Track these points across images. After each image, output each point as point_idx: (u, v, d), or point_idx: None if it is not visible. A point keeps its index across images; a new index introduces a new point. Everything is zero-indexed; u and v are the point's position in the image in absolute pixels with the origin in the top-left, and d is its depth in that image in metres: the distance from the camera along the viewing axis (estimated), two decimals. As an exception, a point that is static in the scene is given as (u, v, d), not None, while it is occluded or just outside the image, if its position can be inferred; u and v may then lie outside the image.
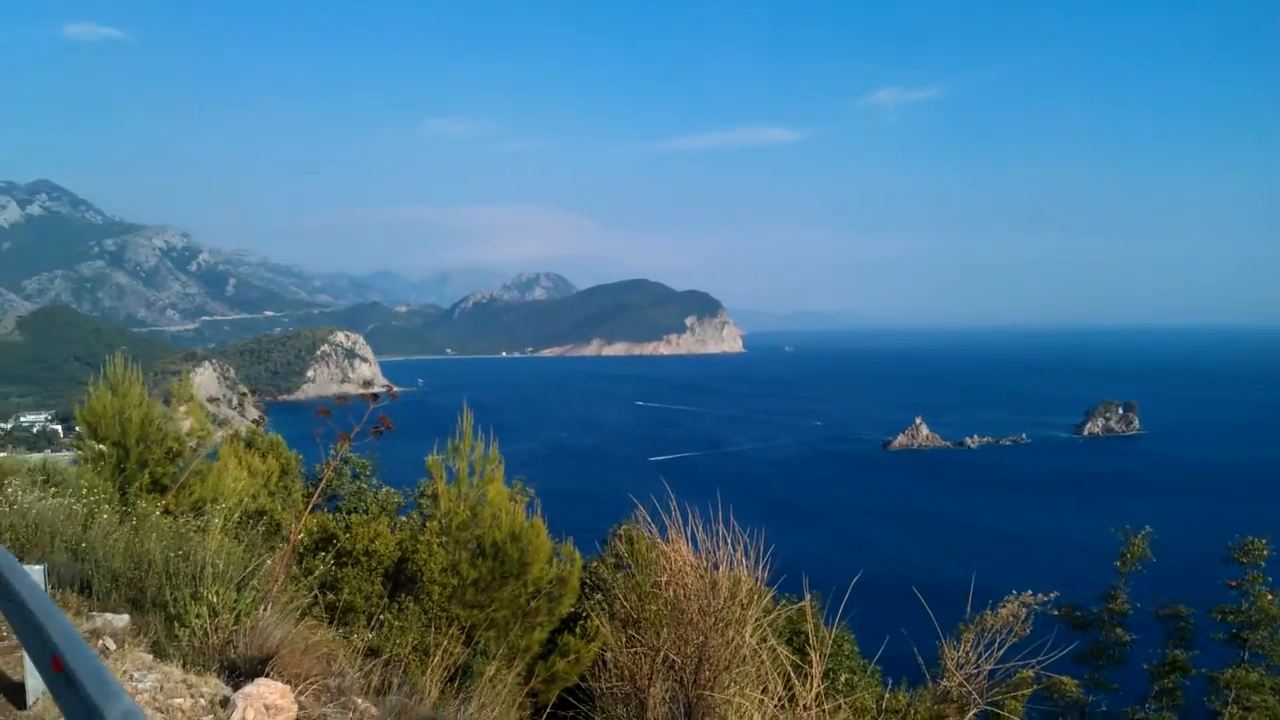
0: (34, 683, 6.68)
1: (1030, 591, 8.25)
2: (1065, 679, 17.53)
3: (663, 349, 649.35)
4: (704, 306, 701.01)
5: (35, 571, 7.21)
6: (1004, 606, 7.98)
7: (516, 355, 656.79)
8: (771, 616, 6.89)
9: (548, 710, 12.18)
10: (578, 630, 14.10)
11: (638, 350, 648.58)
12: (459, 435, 13.54)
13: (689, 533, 7.00)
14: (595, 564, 15.89)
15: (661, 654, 6.79)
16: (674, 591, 6.87)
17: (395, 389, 11.99)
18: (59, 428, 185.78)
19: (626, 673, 7.02)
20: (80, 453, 15.58)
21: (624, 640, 7.20)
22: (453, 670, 9.76)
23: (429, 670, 8.64)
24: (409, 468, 19.55)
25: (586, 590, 14.80)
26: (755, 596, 6.78)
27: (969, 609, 8.08)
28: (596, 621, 10.70)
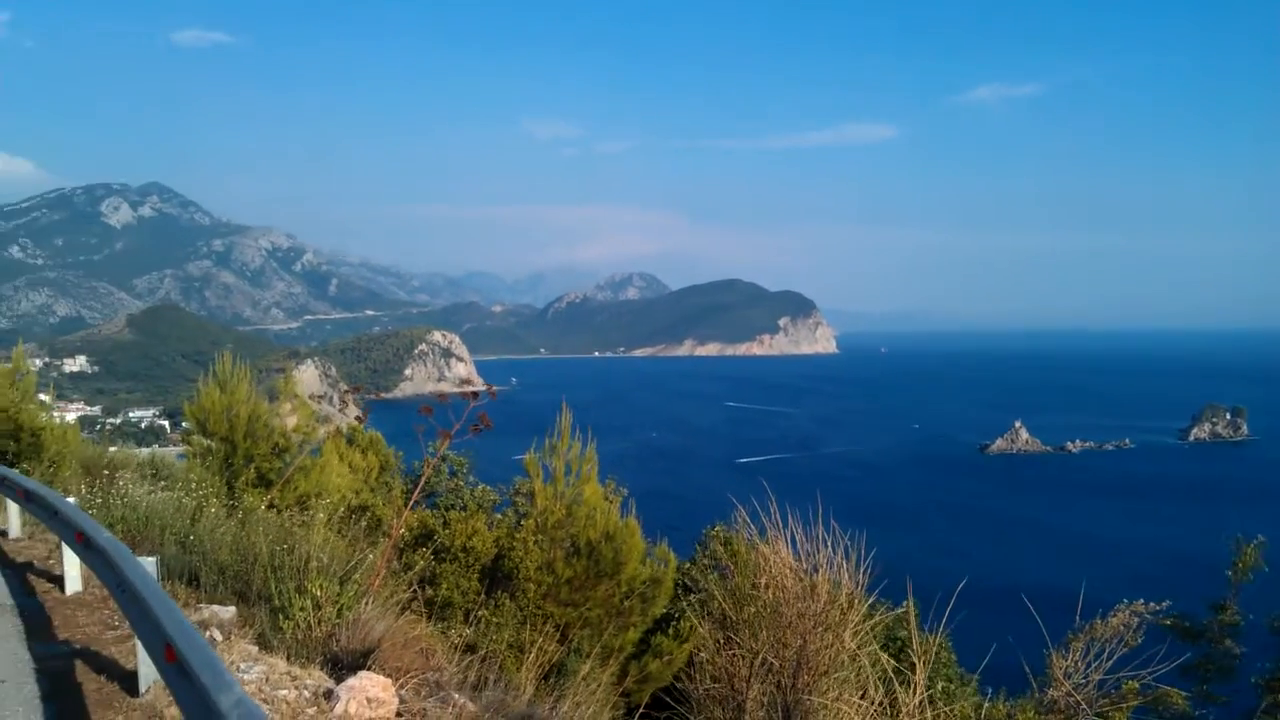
0: (146, 670, 6.88)
1: (1142, 600, 8.00)
2: (1173, 691, 16.99)
3: (756, 349, 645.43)
4: (797, 306, 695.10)
5: (148, 563, 7.43)
6: (1114, 616, 7.75)
7: (609, 355, 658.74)
8: (872, 622, 6.78)
9: (640, 710, 12.18)
10: (671, 631, 14.06)
11: (730, 351, 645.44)
12: (556, 434, 13.57)
13: (788, 535, 6.92)
14: (688, 566, 15.84)
15: (760, 657, 6.72)
16: (773, 594, 6.80)
17: (495, 388, 12.07)
18: (166, 423, 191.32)
19: (724, 674, 6.97)
20: (189, 448, 16.05)
21: (720, 642, 7.15)
22: (547, 668, 9.81)
23: (524, 667, 8.71)
24: (502, 465, 19.71)
25: (679, 591, 14.76)
26: (855, 601, 6.67)
27: (1077, 617, 7.86)
28: (692, 622, 10.65)
